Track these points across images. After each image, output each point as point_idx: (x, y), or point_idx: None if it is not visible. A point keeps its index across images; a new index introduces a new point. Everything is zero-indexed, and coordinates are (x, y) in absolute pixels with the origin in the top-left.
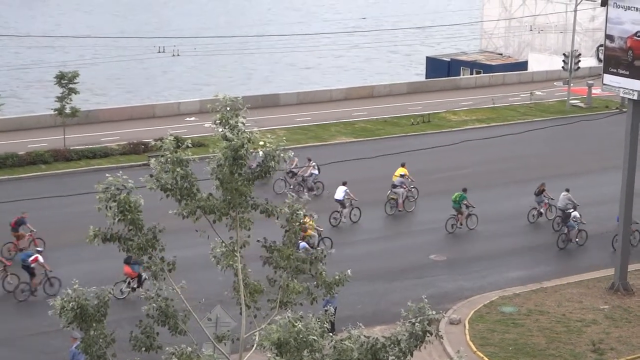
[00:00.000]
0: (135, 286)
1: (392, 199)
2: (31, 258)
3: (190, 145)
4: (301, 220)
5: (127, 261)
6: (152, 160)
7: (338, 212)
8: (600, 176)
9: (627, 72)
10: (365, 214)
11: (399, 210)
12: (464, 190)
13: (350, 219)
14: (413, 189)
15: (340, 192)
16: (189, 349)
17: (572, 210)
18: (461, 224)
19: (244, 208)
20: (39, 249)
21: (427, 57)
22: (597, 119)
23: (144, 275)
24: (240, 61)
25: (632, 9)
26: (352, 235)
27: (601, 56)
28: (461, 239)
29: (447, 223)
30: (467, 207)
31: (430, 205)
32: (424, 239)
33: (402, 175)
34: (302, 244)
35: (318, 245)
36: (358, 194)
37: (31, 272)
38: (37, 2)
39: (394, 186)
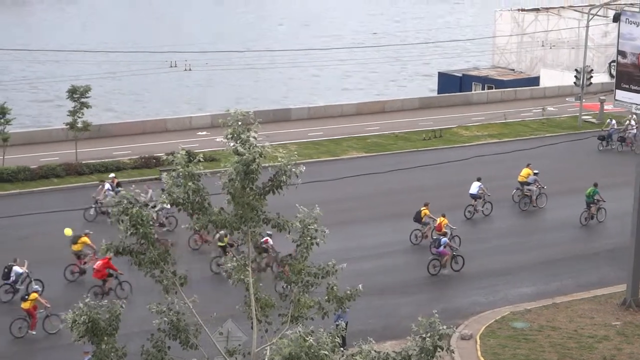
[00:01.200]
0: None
1: (526, 195)
2: (263, 239)
3: (202, 159)
4: (436, 219)
5: None
6: (164, 174)
7: (472, 205)
8: (610, 192)
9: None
10: (370, 228)
11: (533, 206)
12: (595, 185)
13: (483, 212)
14: (545, 187)
15: (474, 187)
16: None
17: None
18: (592, 217)
19: (255, 222)
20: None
21: (439, 73)
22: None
23: None
24: (252, 76)
25: None
26: (369, 249)
27: (613, 72)
28: (473, 254)
29: (581, 216)
30: (598, 201)
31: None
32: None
33: (535, 174)
34: (444, 239)
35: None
36: (367, 209)
37: (263, 251)
38: (46, 16)
39: (527, 184)
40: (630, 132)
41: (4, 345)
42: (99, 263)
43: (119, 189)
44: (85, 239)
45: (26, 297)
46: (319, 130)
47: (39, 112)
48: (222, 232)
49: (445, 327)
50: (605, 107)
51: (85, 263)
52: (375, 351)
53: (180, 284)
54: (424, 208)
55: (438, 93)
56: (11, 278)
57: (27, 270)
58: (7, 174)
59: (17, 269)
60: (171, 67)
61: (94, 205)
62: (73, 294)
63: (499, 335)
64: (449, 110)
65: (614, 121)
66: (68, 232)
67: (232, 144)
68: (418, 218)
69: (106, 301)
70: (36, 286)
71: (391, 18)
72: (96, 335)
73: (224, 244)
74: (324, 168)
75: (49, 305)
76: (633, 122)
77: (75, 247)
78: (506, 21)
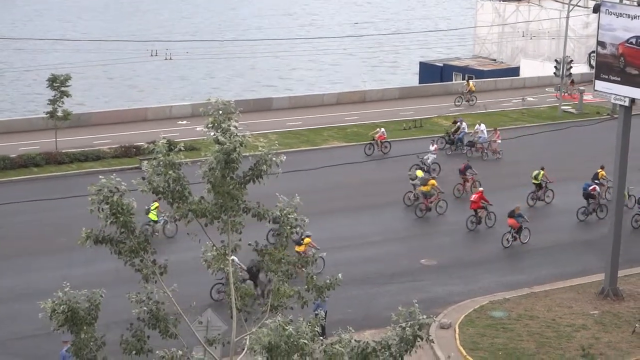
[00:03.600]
0: (515, 236)
1: None
2: (590, 187)
3: (182, 148)
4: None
5: (511, 214)
6: (145, 162)
7: None
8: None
9: (619, 79)
10: (350, 217)
11: None
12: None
13: None
14: None
15: None
16: (180, 352)
17: None
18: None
19: (235, 211)
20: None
21: (420, 62)
22: (589, 124)
23: (524, 225)
24: (232, 65)
25: (624, 15)
26: (349, 239)
27: (593, 62)
28: (452, 244)
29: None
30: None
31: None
32: (415, 243)
33: None
34: None
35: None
36: (346, 199)
37: (591, 197)
38: (27, 6)
39: None
40: (479, 137)
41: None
42: (475, 196)
43: None
44: (433, 181)
45: (301, 241)
46: (299, 119)
47: (18, 100)
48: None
49: (425, 316)
50: (585, 97)
51: (431, 202)
52: (355, 340)
53: (160, 273)
54: (601, 170)
55: (419, 83)
56: None
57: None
58: None
59: None
60: (152, 56)
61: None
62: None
63: (478, 324)
64: (430, 100)
65: (464, 124)
66: (419, 173)
67: (212, 133)
68: (596, 178)
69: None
70: (308, 232)
71: (371, 8)
72: (75, 324)
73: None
74: (304, 157)
75: (319, 248)
76: (482, 127)
77: (424, 188)
78: (487, 11)
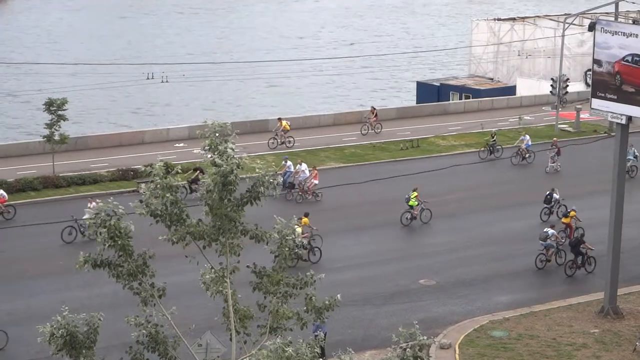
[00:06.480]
0: None
1: None
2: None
3: (180, 171)
4: None
5: None
6: (143, 185)
7: None
8: (588, 200)
9: (615, 97)
10: (348, 238)
11: None
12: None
13: None
14: None
15: None
16: None
17: None
18: None
19: (233, 234)
20: None
21: (417, 82)
22: (586, 143)
23: None
24: (229, 87)
25: (620, 33)
26: (348, 260)
27: (589, 81)
28: (451, 263)
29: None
30: None
31: (419, 230)
32: (414, 263)
33: None
34: None
35: None
36: (345, 220)
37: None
38: (23, 31)
39: None
40: (300, 177)
41: None
42: None
43: None
44: None
45: (567, 213)
46: (296, 140)
47: (15, 124)
48: None
49: (425, 337)
50: (582, 115)
51: None
52: None
53: (158, 296)
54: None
55: (417, 102)
56: (552, 203)
57: (560, 197)
58: None
59: (555, 195)
60: (148, 79)
61: None
62: None
63: (478, 344)
64: (426, 120)
65: (289, 162)
66: None
67: (209, 156)
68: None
69: None
70: (573, 206)
71: (366, 29)
72: (74, 348)
73: None
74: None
75: (580, 220)
76: (304, 166)
77: None
78: (482, 31)
